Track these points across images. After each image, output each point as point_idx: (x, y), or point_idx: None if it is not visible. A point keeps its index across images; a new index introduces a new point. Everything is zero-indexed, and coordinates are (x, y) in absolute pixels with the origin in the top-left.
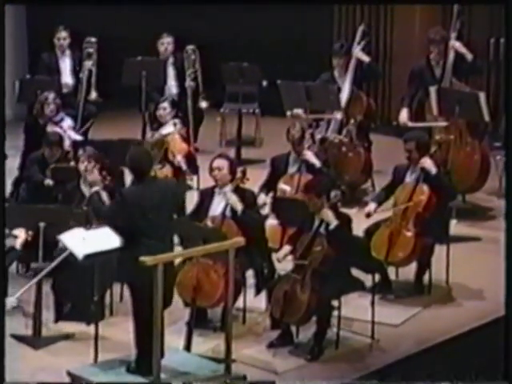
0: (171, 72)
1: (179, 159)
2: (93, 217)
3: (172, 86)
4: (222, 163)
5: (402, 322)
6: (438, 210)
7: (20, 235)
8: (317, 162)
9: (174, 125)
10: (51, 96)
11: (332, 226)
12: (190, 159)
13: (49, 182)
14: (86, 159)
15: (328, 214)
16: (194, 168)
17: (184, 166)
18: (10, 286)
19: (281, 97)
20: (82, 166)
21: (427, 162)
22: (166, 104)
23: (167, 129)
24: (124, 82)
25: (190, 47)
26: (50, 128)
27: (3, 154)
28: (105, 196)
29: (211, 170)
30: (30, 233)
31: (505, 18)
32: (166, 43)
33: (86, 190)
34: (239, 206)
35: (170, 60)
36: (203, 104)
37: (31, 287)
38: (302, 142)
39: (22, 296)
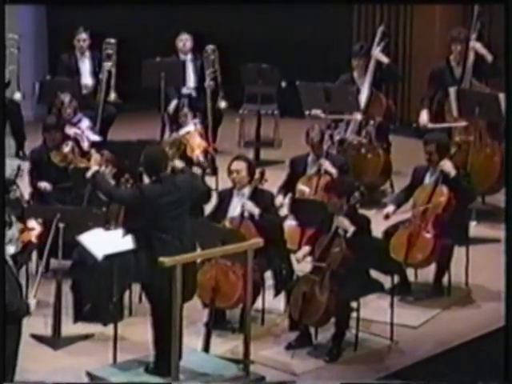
0: (190, 68)
1: (198, 154)
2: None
3: (190, 82)
4: (240, 165)
5: (421, 323)
6: (457, 211)
7: (35, 227)
8: (334, 172)
9: (194, 125)
10: (67, 99)
11: (349, 234)
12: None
13: (46, 185)
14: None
15: (344, 222)
16: (212, 168)
17: (202, 159)
18: (30, 286)
19: (300, 98)
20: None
21: (447, 165)
22: (185, 110)
23: (186, 128)
24: (143, 84)
25: (209, 47)
26: (68, 129)
27: (3, 153)
28: None
29: (229, 172)
30: (40, 221)
31: (505, 18)
32: (184, 39)
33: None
34: (256, 211)
35: (189, 57)
36: (222, 104)
37: (50, 287)
38: (322, 145)
39: (40, 296)
